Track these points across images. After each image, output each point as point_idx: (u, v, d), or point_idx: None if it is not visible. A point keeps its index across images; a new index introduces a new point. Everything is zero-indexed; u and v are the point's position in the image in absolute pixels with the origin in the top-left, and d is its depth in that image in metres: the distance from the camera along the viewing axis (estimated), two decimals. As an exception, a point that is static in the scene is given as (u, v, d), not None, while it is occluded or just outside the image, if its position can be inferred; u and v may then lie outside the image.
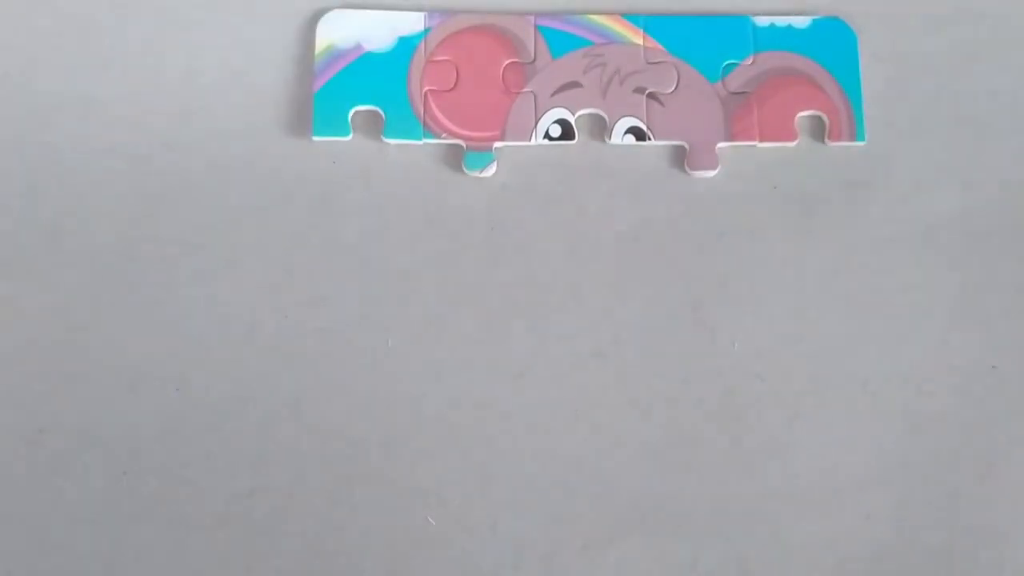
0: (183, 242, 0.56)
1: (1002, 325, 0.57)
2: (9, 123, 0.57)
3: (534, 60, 0.59)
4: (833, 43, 0.60)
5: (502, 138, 0.58)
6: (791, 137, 0.58)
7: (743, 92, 0.59)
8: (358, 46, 0.59)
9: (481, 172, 0.58)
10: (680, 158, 0.59)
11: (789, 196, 0.58)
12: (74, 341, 0.54)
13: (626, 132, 0.58)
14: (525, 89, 0.59)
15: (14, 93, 0.58)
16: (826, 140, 0.59)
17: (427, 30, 0.59)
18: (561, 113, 0.59)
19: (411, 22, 0.59)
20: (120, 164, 0.57)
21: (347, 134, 0.58)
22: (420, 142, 0.58)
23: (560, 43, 0.59)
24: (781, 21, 0.60)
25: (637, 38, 0.60)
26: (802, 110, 0.59)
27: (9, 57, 0.58)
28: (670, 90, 0.59)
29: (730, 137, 0.58)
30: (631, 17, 0.60)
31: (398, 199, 0.57)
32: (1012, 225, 0.58)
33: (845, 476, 0.55)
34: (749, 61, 0.59)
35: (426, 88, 0.58)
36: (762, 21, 0.60)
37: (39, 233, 0.56)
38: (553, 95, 0.59)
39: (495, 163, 0.58)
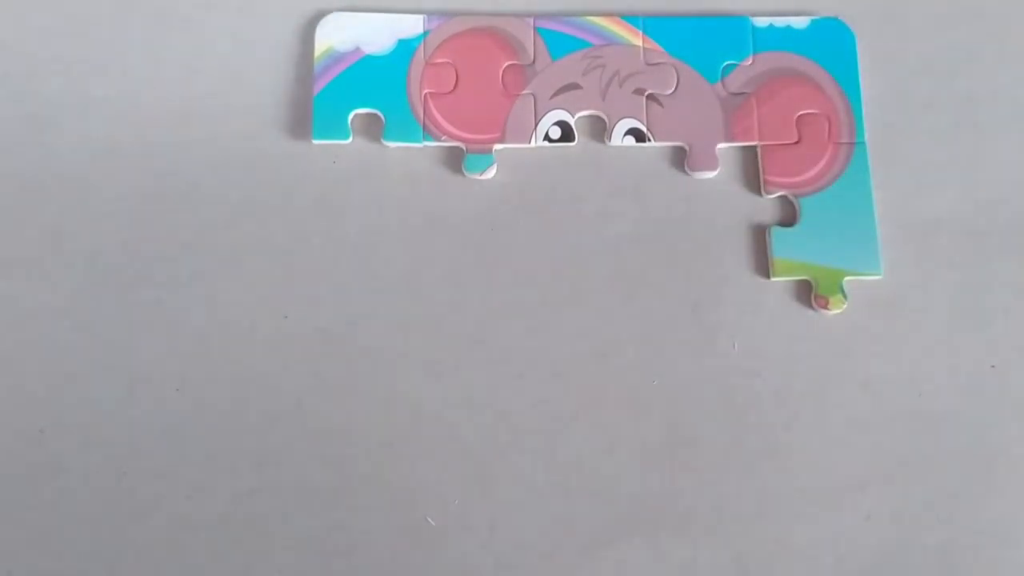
0: (183, 242, 0.56)
1: (1002, 325, 0.57)
2: (9, 123, 0.57)
3: (533, 62, 0.59)
4: (832, 43, 0.60)
5: (502, 140, 0.58)
6: (791, 137, 0.58)
7: (743, 93, 0.59)
8: (357, 49, 0.59)
9: (481, 174, 0.58)
10: (680, 159, 0.59)
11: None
12: (74, 341, 0.55)
13: (626, 133, 0.59)
14: (525, 91, 0.59)
15: (14, 93, 0.58)
16: (826, 140, 0.59)
17: (426, 33, 0.59)
18: (561, 115, 0.59)
19: (410, 25, 0.60)
20: (120, 164, 0.57)
21: (347, 137, 0.58)
22: (420, 145, 0.58)
23: (559, 45, 0.59)
24: (780, 22, 0.60)
25: (636, 39, 0.60)
26: (802, 110, 0.59)
27: (9, 57, 0.59)
28: (670, 91, 0.59)
29: (730, 138, 0.59)
30: (630, 18, 0.60)
31: (398, 201, 0.58)
32: (1012, 225, 0.58)
33: (845, 476, 0.54)
34: (748, 62, 0.59)
35: (426, 91, 0.59)
36: (761, 22, 0.60)
37: (39, 233, 0.56)
38: (553, 97, 0.59)
39: (495, 165, 0.58)
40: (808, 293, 0.57)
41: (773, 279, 0.57)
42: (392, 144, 0.58)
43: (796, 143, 0.58)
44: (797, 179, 0.58)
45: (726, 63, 0.59)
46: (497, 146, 0.58)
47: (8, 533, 0.52)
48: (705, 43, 0.60)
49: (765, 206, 0.58)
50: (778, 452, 0.55)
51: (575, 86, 0.59)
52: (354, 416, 0.54)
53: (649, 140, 0.58)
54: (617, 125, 0.59)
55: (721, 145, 0.59)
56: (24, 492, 0.53)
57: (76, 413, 0.54)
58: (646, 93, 0.59)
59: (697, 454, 0.55)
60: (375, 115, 0.58)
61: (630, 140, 0.59)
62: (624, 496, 0.54)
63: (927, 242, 0.58)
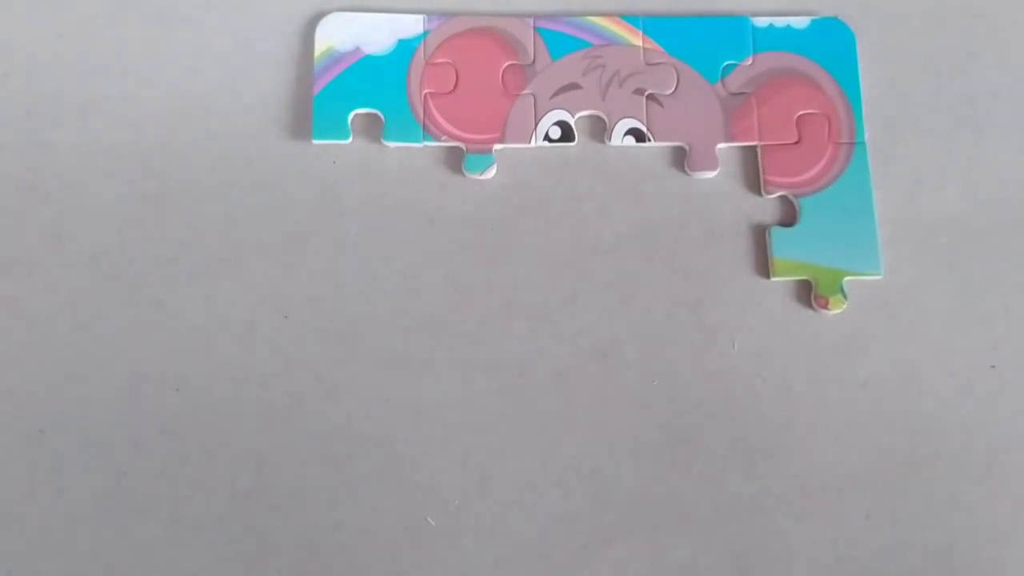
0: (183, 242, 0.56)
1: (1002, 325, 0.57)
2: (9, 123, 0.57)
3: (533, 62, 0.59)
4: (832, 43, 0.60)
5: (502, 140, 0.58)
6: (791, 137, 0.58)
7: (743, 92, 0.59)
8: (357, 49, 0.59)
9: (481, 174, 0.58)
10: (680, 159, 0.59)
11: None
12: (74, 341, 0.54)
13: (626, 133, 0.59)
14: (525, 91, 0.59)
15: (14, 93, 0.58)
16: (826, 140, 0.59)
17: (426, 33, 0.59)
18: (561, 115, 0.59)
19: (410, 25, 0.60)
20: (120, 164, 0.57)
21: (347, 137, 0.58)
22: (420, 145, 0.58)
23: (559, 45, 0.59)
24: (780, 22, 0.60)
25: (636, 39, 0.60)
26: (802, 110, 0.59)
27: (9, 57, 0.59)
28: (670, 91, 0.59)
29: (730, 138, 0.59)
30: (630, 18, 0.60)
31: (398, 201, 0.57)
32: (1012, 225, 0.58)
33: (845, 476, 0.54)
34: (748, 62, 0.59)
35: (426, 91, 0.59)
36: (761, 22, 0.60)
37: (39, 233, 0.56)
38: (553, 97, 0.59)
39: (495, 165, 0.58)
40: (808, 293, 0.57)
41: (773, 279, 0.57)
42: (392, 144, 0.58)
43: (796, 143, 0.58)
44: (797, 179, 0.58)
45: (726, 63, 0.59)
46: (497, 146, 0.58)
47: (8, 533, 0.52)
48: (705, 43, 0.60)
49: (765, 206, 0.58)
50: (778, 452, 0.55)
51: (575, 86, 0.59)
52: (354, 416, 0.54)
53: (649, 140, 0.58)
54: (617, 125, 0.59)
55: (721, 145, 0.59)
56: (24, 492, 0.53)
57: (76, 413, 0.54)
58: (646, 93, 0.59)
59: (697, 454, 0.55)
60: (375, 115, 0.58)
61: (630, 140, 0.59)
62: (624, 496, 0.54)
63: (927, 242, 0.58)
